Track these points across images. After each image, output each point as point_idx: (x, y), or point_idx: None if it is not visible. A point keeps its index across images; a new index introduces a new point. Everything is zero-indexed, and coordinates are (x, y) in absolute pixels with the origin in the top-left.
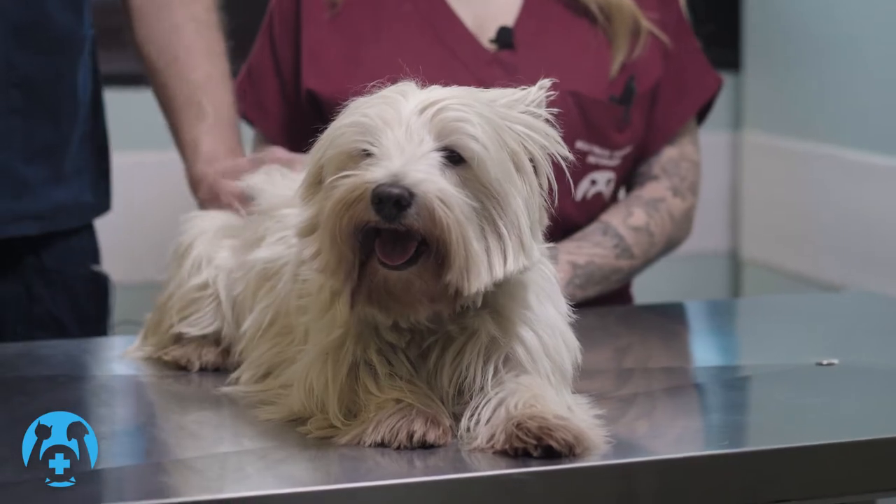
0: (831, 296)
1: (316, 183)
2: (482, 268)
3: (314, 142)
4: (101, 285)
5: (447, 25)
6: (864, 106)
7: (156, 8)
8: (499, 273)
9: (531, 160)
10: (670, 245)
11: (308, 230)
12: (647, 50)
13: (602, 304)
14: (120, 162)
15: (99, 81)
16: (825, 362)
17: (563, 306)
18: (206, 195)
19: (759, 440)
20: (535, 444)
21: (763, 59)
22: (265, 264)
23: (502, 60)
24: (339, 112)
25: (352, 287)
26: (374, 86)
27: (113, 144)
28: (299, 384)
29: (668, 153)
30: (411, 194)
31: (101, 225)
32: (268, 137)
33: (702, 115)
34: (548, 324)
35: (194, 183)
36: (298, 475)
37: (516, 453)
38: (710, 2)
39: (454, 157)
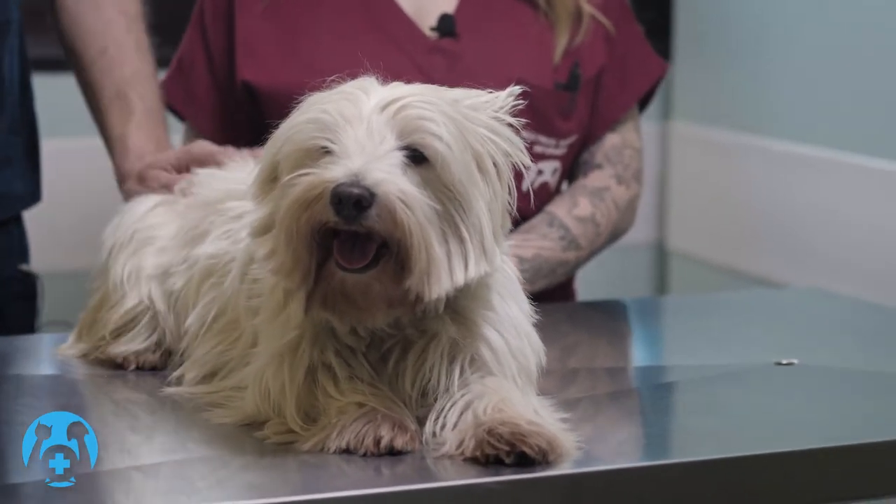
0: (778, 292)
1: (270, 180)
2: (443, 273)
3: (250, 134)
4: (29, 286)
5: (386, 13)
6: (792, 98)
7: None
8: (460, 279)
9: (494, 164)
10: (615, 235)
11: (262, 230)
12: (591, 35)
13: (547, 298)
14: (48, 149)
15: (27, 67)
16: (784, 362)
17: (527, 306)
18: (134, 185)
19: (718, 447)
20: (507, 450)
21: (693, 51)
22: (209, 259)
23: (444, 48)
24: (277, 103)
25: (307, 290)
26: (332, 81)
27: (41, 131)
28: (254, 387)
29: (611, 140)
30: (372, 195)
31: (29, 213)
32: (199, 130)
33: (644, 102)
34: (512, 325)
35: (122, 177)
36: (258, 484)
37: (487, 460)
38: None
39: (416, 157)
